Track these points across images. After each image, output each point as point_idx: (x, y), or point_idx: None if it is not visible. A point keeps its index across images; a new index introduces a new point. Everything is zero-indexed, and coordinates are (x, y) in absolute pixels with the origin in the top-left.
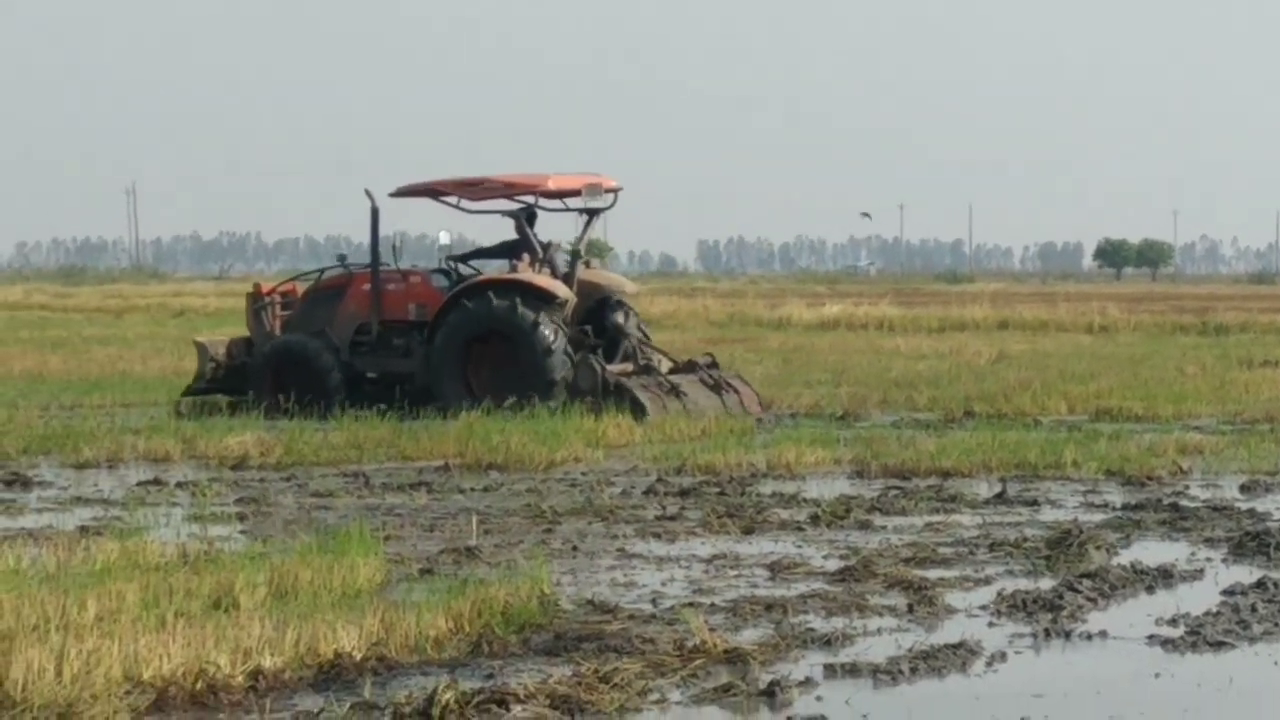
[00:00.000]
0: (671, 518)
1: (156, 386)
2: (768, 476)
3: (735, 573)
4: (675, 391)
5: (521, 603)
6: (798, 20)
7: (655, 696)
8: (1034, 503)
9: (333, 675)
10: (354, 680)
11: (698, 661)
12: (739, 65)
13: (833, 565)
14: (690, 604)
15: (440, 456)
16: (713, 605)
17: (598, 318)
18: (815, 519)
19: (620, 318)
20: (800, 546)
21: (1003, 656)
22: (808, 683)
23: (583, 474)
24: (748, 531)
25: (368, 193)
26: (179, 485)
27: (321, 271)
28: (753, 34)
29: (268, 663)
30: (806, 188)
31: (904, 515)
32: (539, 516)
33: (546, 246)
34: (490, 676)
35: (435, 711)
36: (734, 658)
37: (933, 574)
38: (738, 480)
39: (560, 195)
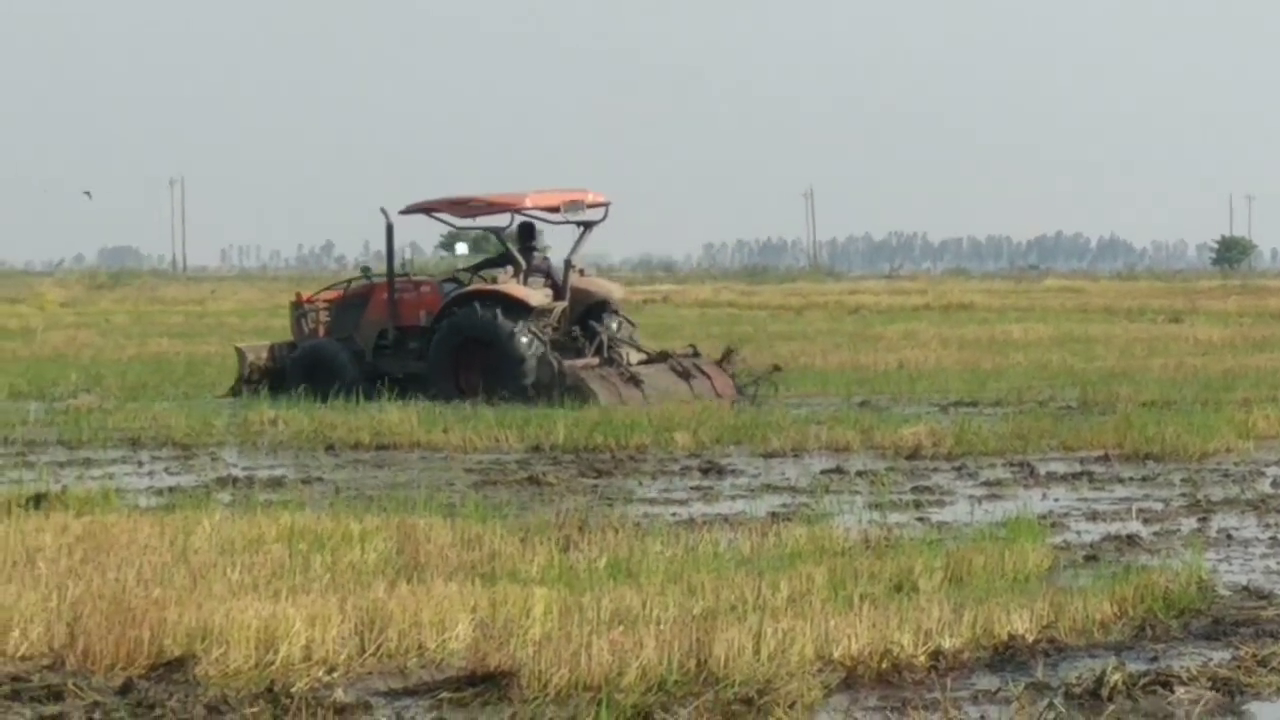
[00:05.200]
0: None
1: (836, 380)
2: None
3: None
4: (634, 380)
5: (1181, 588)
6: None
7: None
8: None
9: (1007, 656)
10: (1026, 661)
11: None
12: None
13: None
14: None
15: (1100, 447)
16: None
17: (590, 321)
18: None
19: (610, 321)
20: None
21: None
22: None
23: (1234, 464)
24: None
25: (383, 210)
26: (859, 474)
27: (349, 282)
28: None
29: (947, 643)
30: None
31: None
32: (1194, 506)
33: (529, 257)
34: (1154, 659)
35: (1104, 692)
36: None
37: None
38: None
39: (538, 211)
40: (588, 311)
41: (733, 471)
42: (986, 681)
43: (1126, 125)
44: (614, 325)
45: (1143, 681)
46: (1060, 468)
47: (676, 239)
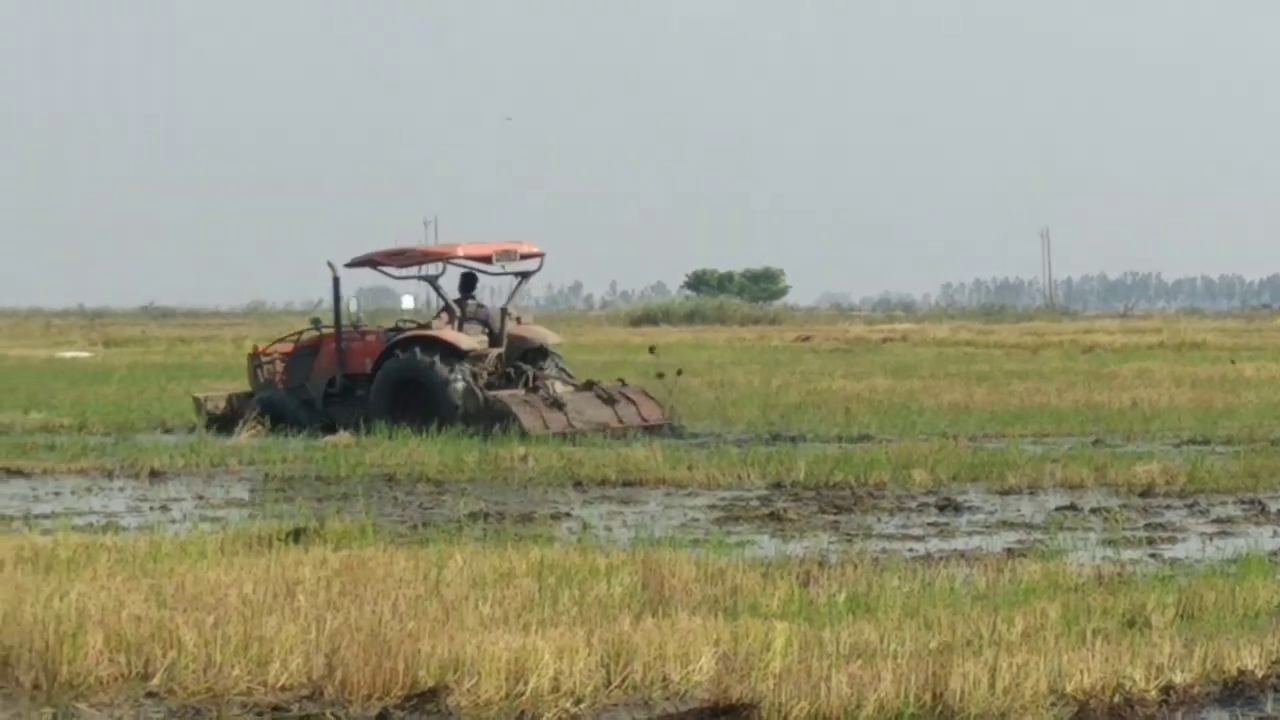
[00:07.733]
0: None
1: (1071, 418)
2: None
3: None
4: (557, 404)
5: None
6: None
7: None
8: None
9: (1237, 691)
10: (1256, 696)
11: None
12: None
13: None
14: None
15: None
16: None
17: (528, 363)
18: None
19: (543, 362)
20: None
21: None
22: None
23: None
24: None
25: (330, 264)
26: (1092, 511)
27: (300, 334)
28: None
29: (1178, 678)
30: None
31: None
32: None
33: (464, 305)
34: None
35: None
36: None
37: None
38: None
39: (472, 261)
40: (524, 356)
41: (969, 508)
42: (1216, 716)
43: None
44: (546, 366)
45: None
46: None
47: (915, 279)
